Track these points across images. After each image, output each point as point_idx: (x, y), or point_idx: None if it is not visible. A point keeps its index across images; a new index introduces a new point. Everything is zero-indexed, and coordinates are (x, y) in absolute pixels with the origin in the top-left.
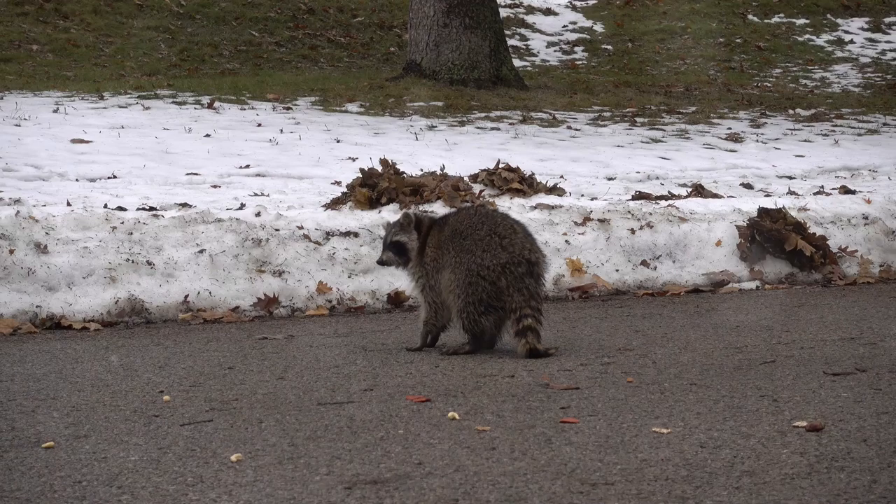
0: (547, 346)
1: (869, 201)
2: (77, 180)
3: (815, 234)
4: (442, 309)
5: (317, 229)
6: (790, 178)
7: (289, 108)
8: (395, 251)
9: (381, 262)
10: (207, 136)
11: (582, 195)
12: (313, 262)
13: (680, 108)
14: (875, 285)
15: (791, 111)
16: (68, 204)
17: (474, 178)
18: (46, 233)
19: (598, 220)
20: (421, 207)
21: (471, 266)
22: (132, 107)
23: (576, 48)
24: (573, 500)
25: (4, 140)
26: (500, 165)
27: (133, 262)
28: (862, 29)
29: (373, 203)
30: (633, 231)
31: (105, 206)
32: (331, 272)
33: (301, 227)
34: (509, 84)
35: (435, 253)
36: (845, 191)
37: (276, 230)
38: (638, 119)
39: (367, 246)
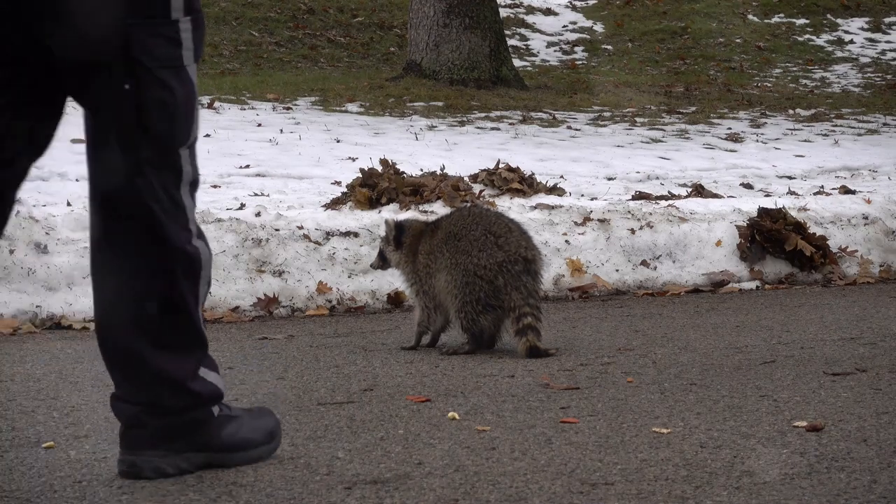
0: (547, 346)
1: (869, 201)
2: (77, 180)
3: (815, 234)
4: (435, 313)
5: (317, 229)
6: (790, 178)
7: (289, 108)
8: (380, 258)
9: (372, 267)
10: (207, 136)
11: (582, 195)
12: (313, 262)
13: (680, 108)
14: (875, 285)
15: (791, 111)
16: (68, 204)
17: (474, 178)
18: (46, 233)
19: (598, 220)
20: (421, 207)
21: (468, 266)
22: None
23: (576, 48)
24: (573, 500)
25: None
26: (500, 165)
27: None
28: (862, 29)
29: (373, 203)
30: (633, 231)
31: None
32: (331, 272)
33: (301, 227)
34: (509, 84)
35: (427, 259)
36: (845, 191)
37: (276, 230)
38: (638, 119)
39: (367, 246)
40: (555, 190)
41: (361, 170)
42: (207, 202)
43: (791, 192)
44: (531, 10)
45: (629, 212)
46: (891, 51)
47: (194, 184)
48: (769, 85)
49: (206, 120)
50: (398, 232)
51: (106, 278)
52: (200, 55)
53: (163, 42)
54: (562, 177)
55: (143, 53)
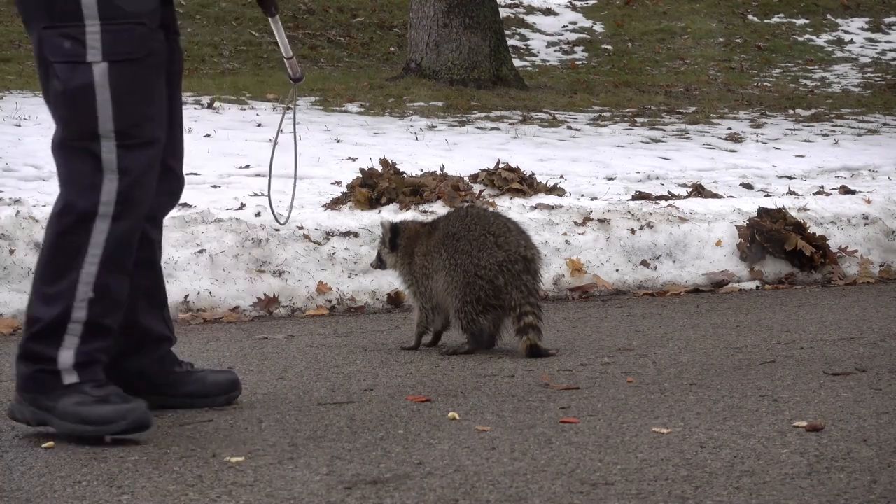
0: (547, 346)
1: (869, 201)
2: None
3: (815, 234)
4: (433, 313)
5: (317, 229)
6: (790, 178)
7: (289, 108)
8: (378, 259)
9: (371, 266)
10: (207, 136)
11: (582, 195)
12: (313, 262)
13: (680, 108)
14: (875, 285)
15: (791, 111)
16: None
17: (474, 178)
18: None
19: (598, 220)
20: (421, 207)
21: (468, 267)
22: None
23: (576, 48)
24: (573, 500)
25: (4, 140)
26: (500, 165)
27: None
28: (862, 29)
29: (373, 203)
30: (633, 231)
31: None
32: (331, 272)
33: (301, 227)
34: (509, 84)
35: (423, 260)
36: (845, 191)
37: (276, 230)
38: (638, 119)
39: (366, 246)
40: (555, 190)
41: (361, 170)
42: (207, 202)
43: (791, 192)
44: (531, 10)
45: (629, 212)
46: (891, 51)
47: (123, 173)
48: (769, 85)
49: (206, 120)
50: (393, 234)
51: None
52: (117, 55)
53: (65, 41)
54: (562, 177)
55: (49, 51)
